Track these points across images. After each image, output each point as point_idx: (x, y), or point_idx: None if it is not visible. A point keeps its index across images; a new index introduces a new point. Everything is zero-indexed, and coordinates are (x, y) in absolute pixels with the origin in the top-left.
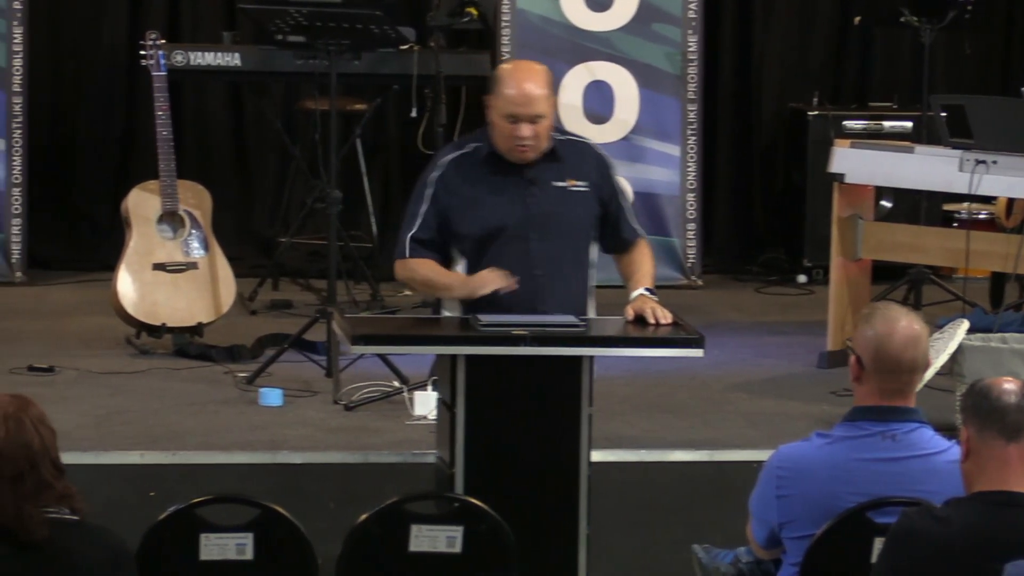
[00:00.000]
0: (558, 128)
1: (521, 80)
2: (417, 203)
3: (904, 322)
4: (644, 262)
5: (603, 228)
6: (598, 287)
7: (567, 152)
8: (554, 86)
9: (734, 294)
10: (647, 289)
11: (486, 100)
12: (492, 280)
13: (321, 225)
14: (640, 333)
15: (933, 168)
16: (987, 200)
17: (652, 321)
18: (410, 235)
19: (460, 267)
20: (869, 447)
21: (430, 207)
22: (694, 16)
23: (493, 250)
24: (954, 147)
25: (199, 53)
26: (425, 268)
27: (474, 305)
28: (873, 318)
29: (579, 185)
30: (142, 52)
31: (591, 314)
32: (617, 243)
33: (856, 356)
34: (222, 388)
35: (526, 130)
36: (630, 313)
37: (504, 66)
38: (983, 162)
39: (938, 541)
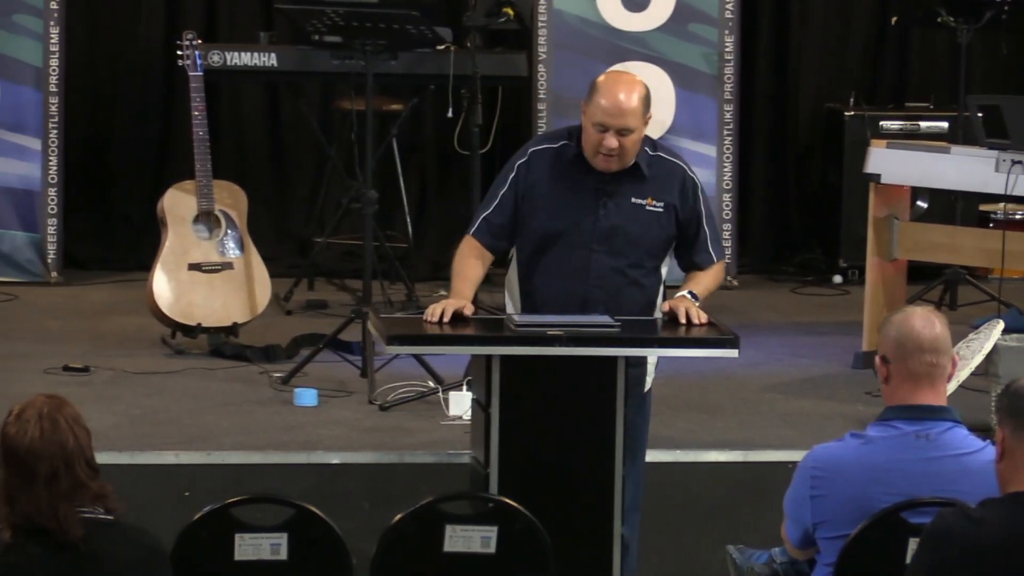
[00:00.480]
0: (652, 143)
1: (615, 92)
2: (499, 185)
3: (920, 310)
4: (706, 274)
5: (679, 246)
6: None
7: (655, 170)
8: (650, 103)
9: (770, 294)
10: (691, 292)
11: (582, 106)
12: (435, 311)
13: (357, 225)
14: (672, 333)
15: (969, 168)
16: (1023, 201)
17: (683, 321)
18: (484, 215)
19: (515, 262)
20: (903, 447)
21: (508, 191)
22: (731, 16)
23: (552, 253)
24: (990, 147)
25: (236, 53)
26: (464, 251)
27: (529, 305)
28: (890, 318)
29: (656, 205)
30: (179, 52)
31: None
32: (689, 263)
33: (881, 356)
34: (257, 388)
35: (612, 141)
36: (665, 308)
37: (603, 75)
38: (1019, 162)
39: (973, 542)
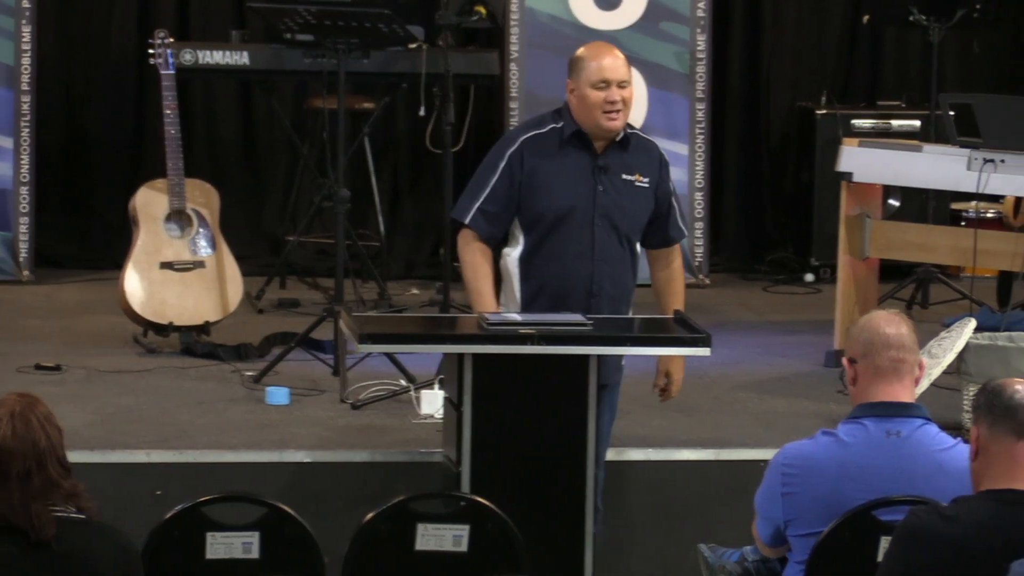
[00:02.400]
0: (628, 123)
1: (604, 52)
2: (489, 173)
3: (885, 312)
4: (678, 279)
5: (651, 223)
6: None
7: (637, 146)
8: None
9: (742, 293)
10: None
11: (568, 84)
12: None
13: (329, 224)
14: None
15: (941, 167)
16: (995, 199)
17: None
18: (478, 205)
19: (519, 247)
20: (874, 445)
21: (500, 181)
22: (703, 15)
23: (559, 232)
24: (962, 146)
25: (208, 52)
26: (474, 259)
27: (533, 282)
28: (856, 322)
29: (643, 181)
30: (151, 51)
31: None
32: (661, 239)
33: (848, 359)
34: (229, 387)
35: (617, 94)
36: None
37: (582, 48)
38: (991, 161)
39: (946, 539)
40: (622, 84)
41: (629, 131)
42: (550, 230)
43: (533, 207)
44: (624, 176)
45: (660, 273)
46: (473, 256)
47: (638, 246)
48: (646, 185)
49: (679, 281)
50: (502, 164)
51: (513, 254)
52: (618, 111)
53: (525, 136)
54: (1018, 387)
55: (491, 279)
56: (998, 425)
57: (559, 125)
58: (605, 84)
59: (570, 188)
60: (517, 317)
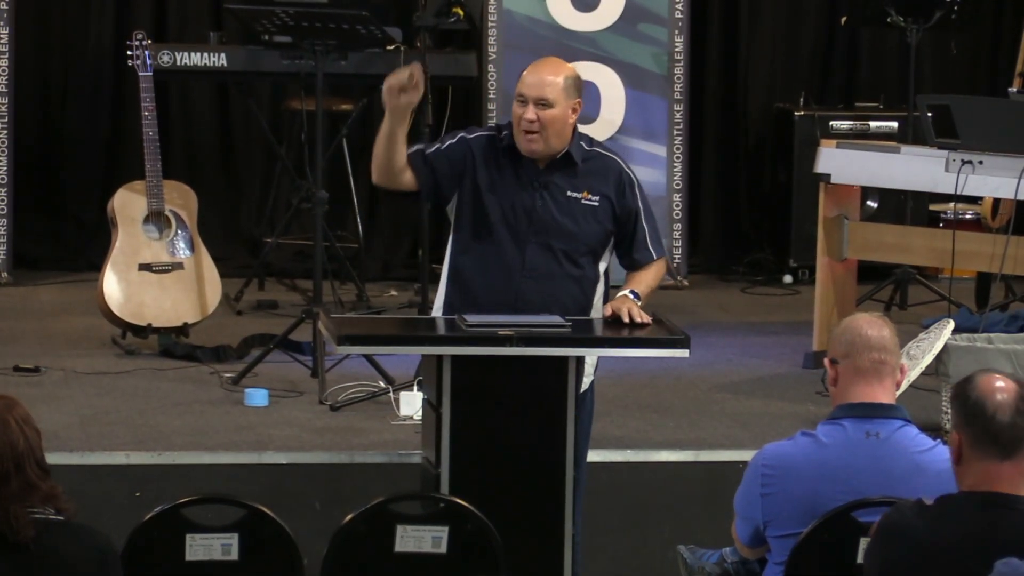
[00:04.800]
0: (588, 139)
1: (538, 67)
2: (444, 139)
3: (867, 315)
4: (646, 273)
5: (618, 244)
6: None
7: (591, 165)
8: (580, 90)
9: (720, 294)
10: (632, 292)
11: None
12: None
13: (307, 225)
14: (620, 333)
15: (919, 168)
16: (973, 200)
17: (627, 320)
18: (420, 147)
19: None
20: (854, 445)
21: (449, 150)
22: (680, 16)
23: (490, 242)
24: (940, 147)
25: (185, 53)
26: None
27: (457, 294)
28: (839, 324)
29: (592, 199)
30: (129, 52)
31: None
32: (629, 260)
33: (829, 360)
34: (208, 388)
35: (531, 112)
36: (607, 311)
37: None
38: (969, 162)
39: (926, 537)
40: (541, 103)
41: (587, 148)
42: (482, 238)
43: (467, 213)
44: (570, 193)
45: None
46: None
47: (602, 267)
48: (594, 203)
49: (642, 275)
50: (452, 141)
51: (446, 259)
52: (534, 132)
53: (483, 134)
54: (999, 399)
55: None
56: (980, 446)
57: (504, 135)
58: (523, 99)
59: (507, 201)
60: (497, 318)
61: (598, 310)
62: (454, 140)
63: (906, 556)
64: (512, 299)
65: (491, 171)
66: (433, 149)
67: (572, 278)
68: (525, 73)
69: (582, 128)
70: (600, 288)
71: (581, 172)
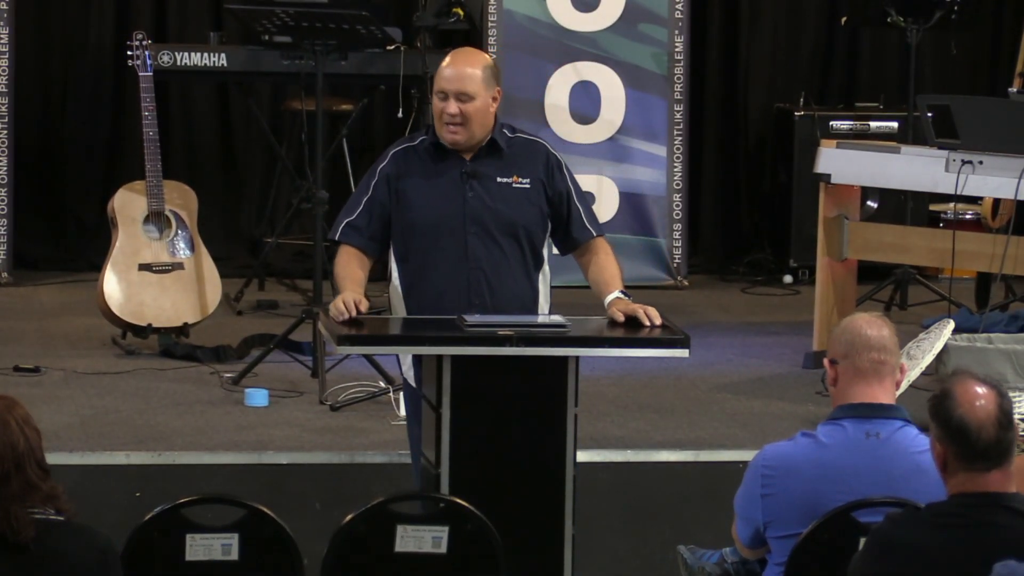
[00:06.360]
0: (510, 127)
1: (456, 60)
2: (362, 192)
3: (867, 315)
4: (608, 264)
5: (555, 228)
6: (563, 287)
7: (516, 150)
8: (498, 78)
9: (720, 294)
10: (622, 292)
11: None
12: (339, 309)
13: (307, 225)
14: (631, 334)
15: (919, 168)
16: (973, 200)
17: (647, 323)
18: (347, 220)
19: (398, 269)
20: (854, 446)
21: (372, 196)
22: (680, 16)
23: (432, 245)
24: (940, 147)
25: (186, 53)
26: (342, 259)
27: (414, 302)
28: (839, 324)
29: (523, 182)
30: (129, 52)
31: (543, 312)
32: (569, 242)
33: (829, 360)
34: (208, 388)
35: (452, 107)
36: (620, 316)
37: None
38: (969, 162)
39: (923, 546)
40: (462, 97)
41: (510, 135)
42: (422, 243)
43: (403, 221)
44: (499, 179)
45: (587, 268)
46: (341, 255)
47: (544, 250)
48: (526, 185)
49: (610, 267)
50: (373, 181)
51: (394, 278)
52: (458, 124)
53: (396, 150)
54: (981, 417)
55: (357, 273)
56: (967, 460)
57: (426, 136)
58: (443, 95)
59: (438, 198)
60: (496, 319)
61: (544, 296)
62: (374, 180)
63: (905, 568)
64: (466, 293)
65: (415, 177)
66: (358, 211)
67: (518, 262)
68: (443, 66)
69: (584, 128)
70: (545, 271)
71: (507, 157)
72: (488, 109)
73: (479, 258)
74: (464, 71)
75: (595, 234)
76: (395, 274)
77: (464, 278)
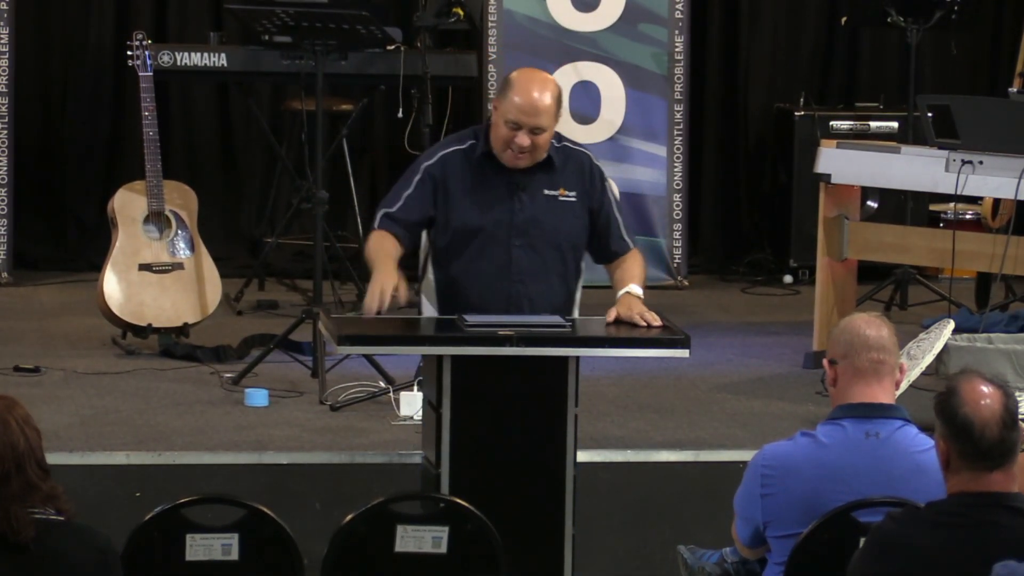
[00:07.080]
0: (557, 134)
1: (530, 89)
2: (404, 186)
3: (866, 315)
4: (633, 264)
5: (591, 239)
6: (584, 287)
7: (562, 161)
8: (560, 100)
9: (720, 294)
10: (634, 289)
11: (493, 101)
12: (375, 296)
13: (307, 225)
14: (626, 333)
15: (919, 168)
16: (973, 200)
17: (643, 324)
18: (386, 211)
19: (435, 270)
20: (853, 445)
21: (415, 193)
22: (681, 16)
23: (471, 251)
24: (940, 147)
25: (186, 53)
26: (376, 237)
27: (450, 308)
28: (838, 324)
29: (569, 195)
30: (129, 52)
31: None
32: (606, 254)
33: (828, 360)
34: (208, 388)
35: (524, 140)
36: (612, 315)
37: (516, 72)
38: (969, 162)
39: (923, 545)
40: (536, 130)
41: (556, 145)
42: (461, 247)
43: (447, 224)
44: (546, 191)
45: (614, 272)
46: (374, 236)
47: (583, 263)
48: (572, 199)
49: (633, 268)
50: (417, 177)
51: (430, 278)
52: (526, 153)
53: (444, 152)
54: (985, 416)
55: (393, 250)
56: (970, 459)
57: (478, 142)
58: (515, 125)
59: (485, 206)
60: (496, 319)
61: (576, 305)
62: (417, 177)
63: (905, 568)
64: (504, 303)
65: (465, 183)
66: (399, 205)
67: (562, 275)
68: (513, 93)
69: (584, 128)
70: (580, 284)
71: (556, 170)
72: (552, 136)
73: (522, 270)
74: (539, 105)
75: (631, 247)
76: (431, 274)
77: (505, 289)
